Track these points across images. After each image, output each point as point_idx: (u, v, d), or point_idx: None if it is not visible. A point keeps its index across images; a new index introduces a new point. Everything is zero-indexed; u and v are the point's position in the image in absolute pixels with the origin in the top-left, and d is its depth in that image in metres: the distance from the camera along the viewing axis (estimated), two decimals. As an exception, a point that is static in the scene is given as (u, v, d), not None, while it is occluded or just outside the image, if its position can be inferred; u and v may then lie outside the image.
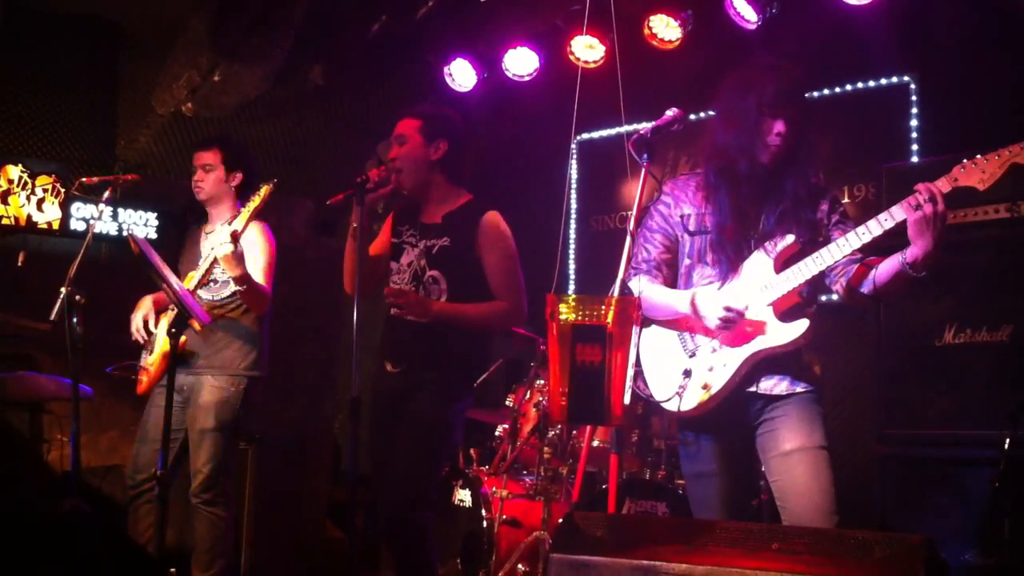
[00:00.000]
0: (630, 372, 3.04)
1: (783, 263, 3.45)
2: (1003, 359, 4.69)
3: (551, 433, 5.44)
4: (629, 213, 3.40)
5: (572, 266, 7.61)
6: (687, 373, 3.51)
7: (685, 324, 3.56)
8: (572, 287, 7.48)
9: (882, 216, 3.29)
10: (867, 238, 3.31)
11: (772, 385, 3.46)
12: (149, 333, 4.82)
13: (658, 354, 3.63)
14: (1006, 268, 4.72)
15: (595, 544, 2.99)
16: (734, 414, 3.49)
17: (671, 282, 3.68)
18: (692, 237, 3.63)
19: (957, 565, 4.64)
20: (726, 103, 3.61)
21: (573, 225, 7.64)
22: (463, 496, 5.57)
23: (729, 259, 3.52)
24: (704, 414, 3.50)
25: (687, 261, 3.65)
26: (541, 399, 5.54)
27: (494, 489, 5.40)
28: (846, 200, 6.07)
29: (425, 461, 4.04)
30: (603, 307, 3.05)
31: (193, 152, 4.99)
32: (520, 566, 5.12)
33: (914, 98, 6.03)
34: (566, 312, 3.07)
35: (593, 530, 3.07)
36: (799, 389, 3.47)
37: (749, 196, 3.53)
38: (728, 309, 3.40)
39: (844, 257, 3.37)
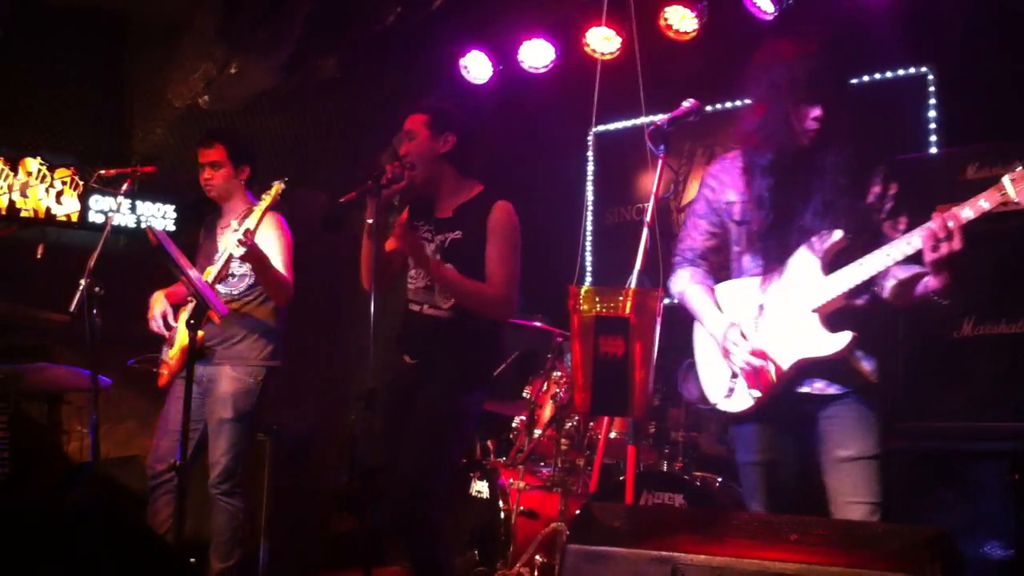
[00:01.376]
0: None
1: (831, 260, 3.34)
2: (1020, 351, 4.67)
3: (568, 424, 5.45)
4: (646, 205, 3.38)
5: (589, 258, 7.60)
6: (735, 374, 3.49)
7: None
8: (588, 279, 7.47)
9: (901, 242, 3.20)
10: (891, 260, 3.22)
11: (824, 386, 3.39)
12: (169, 327, 4.83)
13: (710, 354, 3.60)
14: (1022, 260, 4.71)
15: (612, 535, 2.99)
16: (788, 411, 3.44)
17: (720, 270, 3.64)
18: (738, 226, 3.56)
19: (973, 558, 4.64)
20: (758, 89, 3.49)
21: (589, 217, 7.64)
22: (480, 487, 5.58)
23: (771, 255, 3.45)
24: (754, 413, 3.47)
25: (736, 248, 3.59)
26: (558, 391, 5.54)
27: (511, 480, 5.41)
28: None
29: (433, 452, 4.04)
30: (621, 298, 3.05)
31: (197, 149, 4.99)
32: (537, 557, 5.13)
33: (932, 89, 6.00)
34: (588, 304, 3.07)
35: (610, 521, 3.07)
36: (851, 391, 3.38)
37: (788, 186, 3.43)
38: (749, 363, 3.39)
39: (883, 268, 3.26)
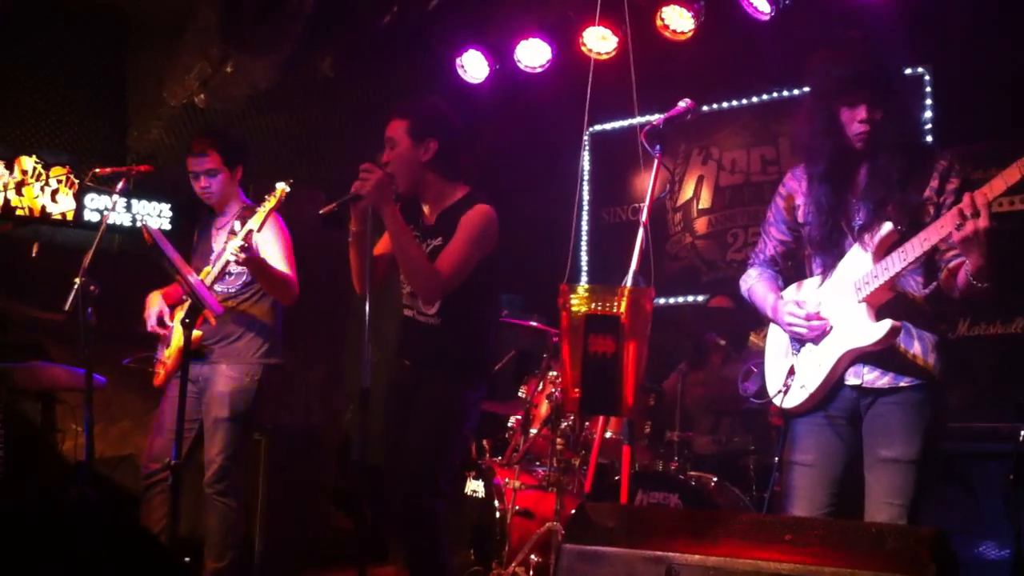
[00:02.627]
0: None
1: (884, 253, 3.33)
2: (1016, 352, 4.68)
3: (563, 424, 5.44)
4: (642, 205, 3.39)
5: (584, 258, 7.61)
6: (791, 371, 3.53)
7: None
8: (584, 279, 7.48)
9: (935, 226, 3.20)
10: (927, 245, 3.21)
11: (875, 378, 3.39)
12: (164, 326, 4.82)
13: (774, 351, 3.66)
14: (1018, 260, 4.71)
15: (607, 535, 2.99)
16: (838, 409, 3.47)
17: (793, 272, 3.67)
18: (804, 230, 3.60)
19: (971, 558, 4.64)
20: (807, 96, 3.53)
21: (585, 217, 7.65)
22: (476, 487, 5.58)
23: (830, 255, 3.48)
24: (807, 410, 3.50)
25: (807, 250, 3.62)
26: (553, 390, 5.54)
27: (506, 480, 5.41)
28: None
29: (436, 449, 4.03)
30: (615, 298, 3.05)
31: (188, 158, 4.90)
32: (532, 556, 5.12)
33: (928, 89, 6.01)
34: (578, 302, 3.07)
35: (605, 521, 3.06)
36: (903, 384, 3.37)
37: (844, 189, 3.46)
38: (809, 327, 3.42)
39: (922, 255, 3.24)
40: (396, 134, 4.11)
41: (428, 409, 4.04)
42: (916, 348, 3.37)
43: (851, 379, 3.43)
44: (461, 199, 4.13)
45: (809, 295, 3.56)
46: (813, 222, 3.52)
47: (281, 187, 4.50)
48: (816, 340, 3.47)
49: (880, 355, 3.36)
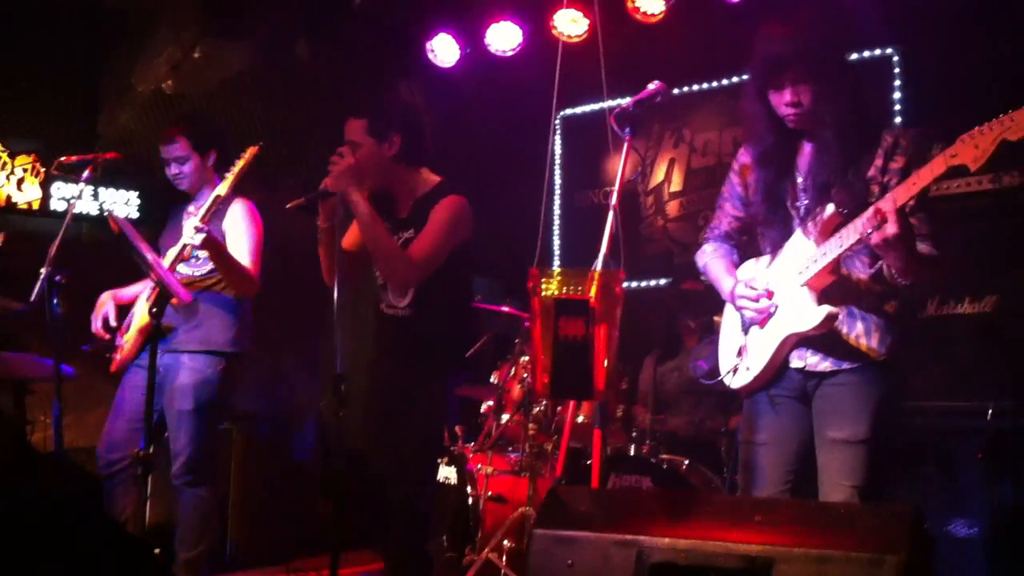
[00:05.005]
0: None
1: (828, 236, 3.32)
2: (986, 330, 4.70)
3: (536, 409, 5.44)
4: (612, 188, 3.38)
5: (556, 242, 7.60)
6: (740, 351, 3.56)
7: None
8: (557, 263, 7.47)
9: (847, 231, 3.21)
10: (841, 248, 3.23)
11: (817, 362, 3.41)
12: (109, 329, 4.76)
13: (728, 331, 3.69)
14: (988, 239, 4.73)
15: (579, 519, 2.98)
16: (787, 389, 3.49)
17: (748, 247, 3.68)
18: (752, 207, 3.61)
19: (941, 535, 4.67)
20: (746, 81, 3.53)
21: (557, 200, 7.64)
22: (448, 473, 5.57)
23: (776, 237, 3.50)
24: (754, 390, 3.53)
25: (758, 229, 3.62)
26: (526, 375, 5.53)
27: (479, 466, 5.41)
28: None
29: (426, 447, 4.03)
30: (586, 281, 3.03)
31: (159, 146, 4.83)
32: (506, 542, 5.12)
33: (897, 70, 6.02)
34: (549, 286, 3.06)
35: (577, 505, 3.06)
36: (845, 367, 3.37)
37: (783, 170, 3.47)
38: (757, 309, 3.44)
39: (857, 244, 3.23)
40: (356, 135, 4.01)
41: (417, 407, 3.99)
42: (859, 330, 3.37)
43: (795, 362, 3.45)
44: (433, 189, 4.07)
45: (760, 275, 3.56)
46: (758, 202, 3.53)
47: (250, 149, 4.44)
48: (762, 323, 3.48)
49: (822, 339, 3.37)
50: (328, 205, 3.90)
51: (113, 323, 4.77)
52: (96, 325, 4.77)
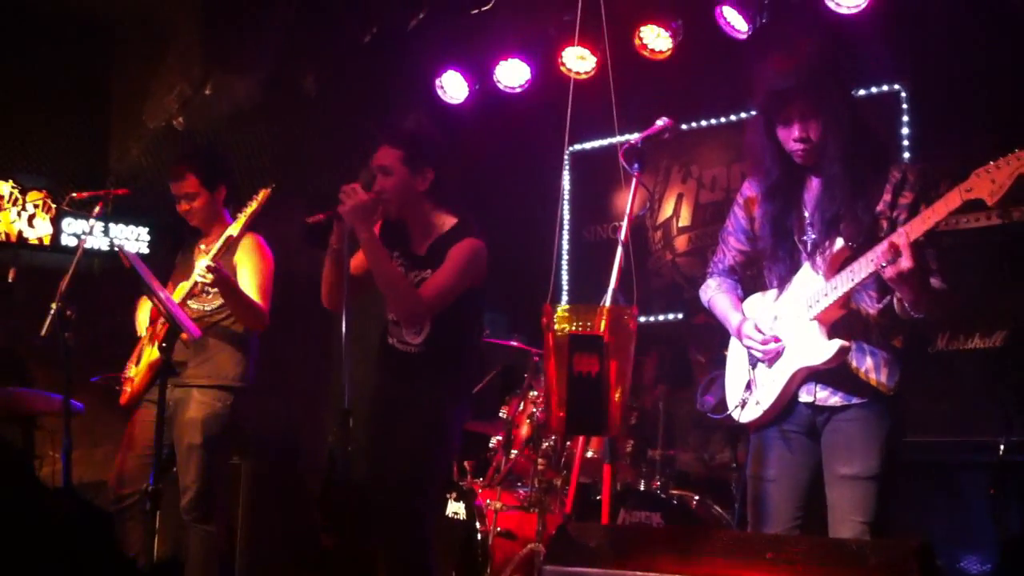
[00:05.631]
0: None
1: (836, 270, 3.33)
2: (996, 365, 4.68)
3: (545, 444, 5.42)
4: (621, 223, 3.39)
5: (565, 277, 7.61)
6: (748, 385, 3.54)
7: None
8: (565, 298, 7.48)
9: (858, 265, 3.23)
10: (867, 272, 3.22)
11: (826, 396, 3.40)
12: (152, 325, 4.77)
13: (734, 364, 3.67)
14: (997, 274, 4.73)
15: (589, 555, 2.97)
16: (795, 424, 3.48)
17: (752, 281, 3.69)
18: (759, 242, 3.61)
19: (952, 570, 4.64)
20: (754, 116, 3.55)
21: (566, 236, 7.65)
22: (457, 508, 5.54)
23: (783, 270, 3.49)
24: (763, 425, 3.52)
25: (764, 262, 3.63)
26: (535, 410, 5.52)
27: (488, 501, 5.38)
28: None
29: (422, 459, 4.02)
30: (597, 317, 3.04)
31: (169, 183, 4.85)
32: (515, 578, 5.09)
33: (905, 106, 6.04)
34: (562, 322, 3.07)
35: (587, 541, 3.05)
36: (854, 402, 3.37)
37: (791, 205, 3.48)
38: (764, 351, 3.44)
39: (868, 277, 3.23)
40: (390, 162, 4.05)
41: (414, 421, 4.02)
42: (868, 364, 3.36)
43: (804, 396, 3.44)
44: (452, 229, 4.11)
45: (766, 308, 3.56)
46: (766, 236, 3.53)
47: (263, 191, 4.47)
48: (771, 361, 3.47)
49: (832, 373, 3.36)
50: (340, 227, 3.91)
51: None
52: (141, 327, 4.75)
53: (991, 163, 2.97)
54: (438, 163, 4.11)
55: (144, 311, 4.79)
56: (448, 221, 4.15)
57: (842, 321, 3.37)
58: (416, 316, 4.00)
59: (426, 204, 4.13)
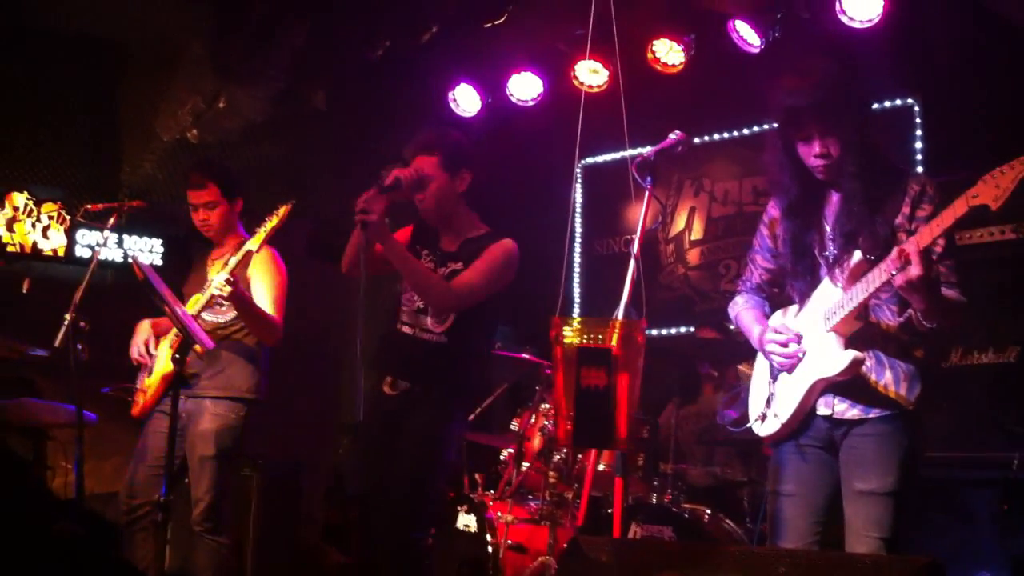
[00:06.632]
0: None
1: (855, 283, 3.32)
2: (1009, 380, 4.67)
3: (556, 457, 5.42)
4: (633, 236, 3.39)
5: (576, 290, 7.61)
6: (768, 400, 3.55)
7: None
8: (576, 311, 7.47)
9: (872, 275, 3.22)
10: (867, 292, 3.23)
11: (844, 409, 3.38)
12: (150, 355, 4.77)
13: (757, 380, 3.68)
14: (1012, 289, 4.71)
15: (600, 569, 2.97)
16: (813, 439, 3.46)
17: (779, 299, 3.69)
18: (780, 259, 3.63)
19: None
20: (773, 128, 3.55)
21: (577, 249, 7.65)
22: (468, 521, 5.53)
23: (805, 286, 3.50)
24: (781, 439, 3.51)
25: (787, 278, 3.63)
26: (546, 423, 5.51)
27: (499, 514, 5.37)
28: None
29: (423, 480, 4.03)
30: (607, 331, 3.04)
31: (187, 191, 4.83)
32: (526, 592, 5.08)
33: (918, 120, 6.03)
34: (571, 335, 3.07)
35: (598, 555, 3.04)
36: (872, 415, 3.35)
37: (811, 221, 3.48)
38: (772, 341, 3.46)
39: (883, 286, 3.22)
40: (430, 170, 4.10)
41: (412, 440, 4.02)
42: (887, 378, 3.35)
43: (822, 409, 3.42)
44: (486, 233, 4.21)
45: (788, 323, 3.57)
46: (787, 253, 3.54)
47: (284, 207, 4.48)
48: (790, 369, 3.47)
49: (850, 386, 3.35)
50: (389, 203, 3.91)
51: (153, 351, 4.76)
52: (138, 351, 4.75)
53: (996, 169, 2.99)
54: (473, 166, 4.19)
55: (141, 334, 4.79)
56: (480, 227, 4.25)
57: (859, 334, 3.36)
58: (443, 304, 4.05)
59: (461, 207, 4.22)
